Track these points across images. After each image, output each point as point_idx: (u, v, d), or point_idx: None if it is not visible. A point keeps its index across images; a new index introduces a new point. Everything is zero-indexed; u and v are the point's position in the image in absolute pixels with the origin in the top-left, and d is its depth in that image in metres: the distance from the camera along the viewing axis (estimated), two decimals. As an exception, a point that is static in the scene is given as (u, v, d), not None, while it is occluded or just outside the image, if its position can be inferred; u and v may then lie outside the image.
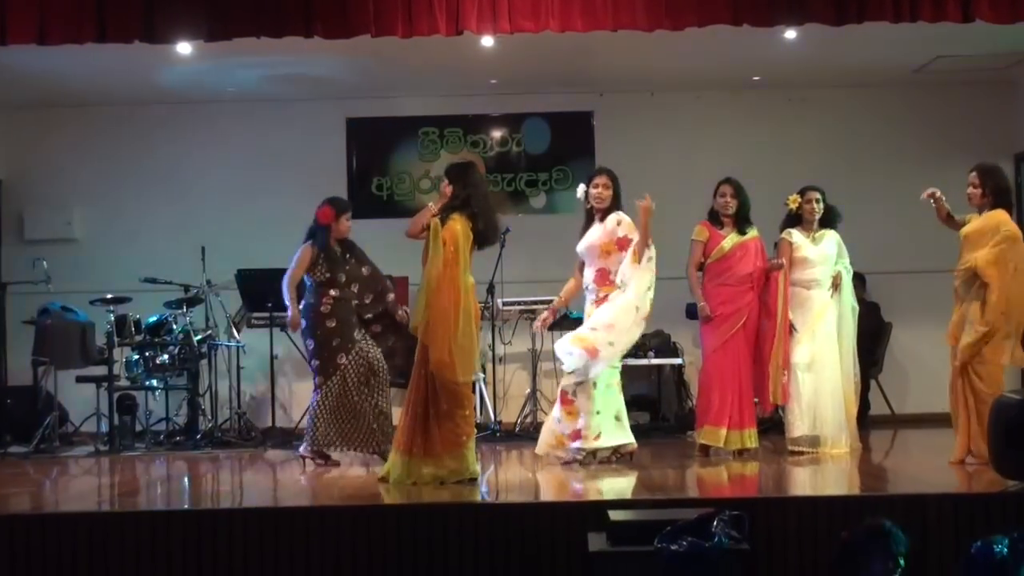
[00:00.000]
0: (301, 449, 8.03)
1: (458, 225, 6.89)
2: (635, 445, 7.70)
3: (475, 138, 11.19)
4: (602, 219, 7.72)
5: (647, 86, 10.89)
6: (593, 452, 7.57)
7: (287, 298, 7.99)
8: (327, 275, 7.93)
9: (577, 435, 7.56)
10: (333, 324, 7.87)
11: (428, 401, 6.77)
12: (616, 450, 7.64)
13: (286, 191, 10.84)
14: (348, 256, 8.08)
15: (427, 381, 6.79)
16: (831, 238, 8.32)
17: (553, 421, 7.68)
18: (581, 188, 7.83)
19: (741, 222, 8.17)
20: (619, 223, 7.67)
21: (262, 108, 10.98)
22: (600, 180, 7.76)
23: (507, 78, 10.47)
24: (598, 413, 7.55)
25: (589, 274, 7.74)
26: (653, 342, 10.03)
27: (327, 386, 7.85)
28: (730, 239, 8.14)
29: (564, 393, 7.63)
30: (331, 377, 7.85)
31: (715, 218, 8.23)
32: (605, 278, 7.66)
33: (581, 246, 7.79)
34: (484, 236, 7.09)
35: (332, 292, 7.93)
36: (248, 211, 10.85)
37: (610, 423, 7.60)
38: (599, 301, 7.64)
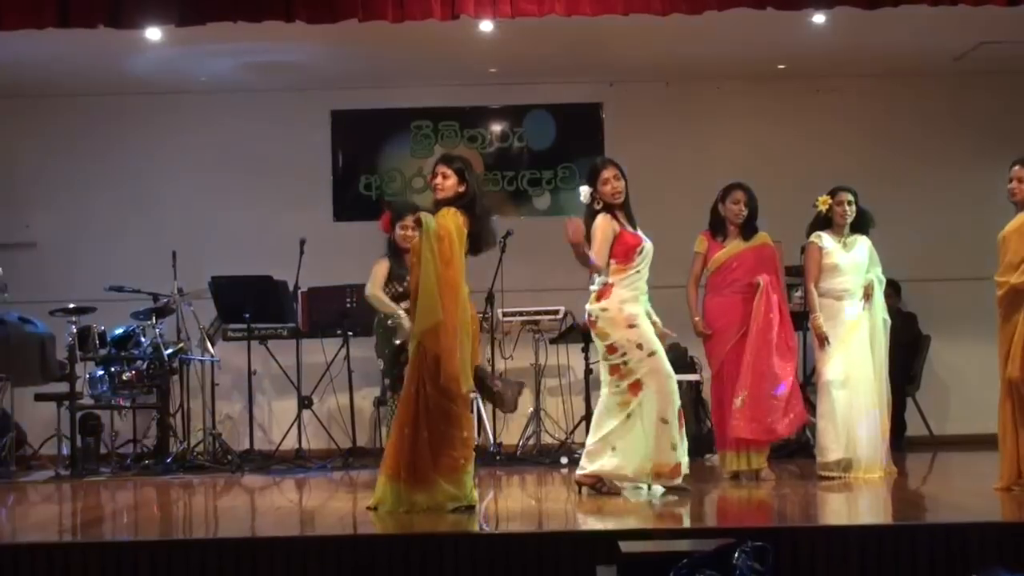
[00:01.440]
0: None
1: (451, 220, 6.67)
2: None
3: (473, 132, 11.19)
4: (629, 219, 7.44)
5: (662, 75, 10.90)
6: None
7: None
8: (398, 290, 8.03)
9: None
10: (398, 344, 8.03)
11: (418, 421, 6.70)
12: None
13: (265, 191, 10.86)
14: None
15: (418, 398, 6.73)
16: (863, 244, 8.30)
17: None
18: (585, 190, 7.39)
19: (748, 229, 8.16)
20: None
21: (239, 100, 10.99)
22: (609, 172, 7.34)
23: (508, 67, 10.48)
24: None
25: (646, 279, 7.47)
26: (668, 357, 9.96)
27: (393, 400, 8.02)
28: (727, 250, 8.14)
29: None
30: (398, 393, 8.00)
31: (719, 226, 8.20)
32: None
33: (647, 253, 7.40)
34: (479, 240, 6.88)
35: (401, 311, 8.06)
36: (223, 213, 10.86)
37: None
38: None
